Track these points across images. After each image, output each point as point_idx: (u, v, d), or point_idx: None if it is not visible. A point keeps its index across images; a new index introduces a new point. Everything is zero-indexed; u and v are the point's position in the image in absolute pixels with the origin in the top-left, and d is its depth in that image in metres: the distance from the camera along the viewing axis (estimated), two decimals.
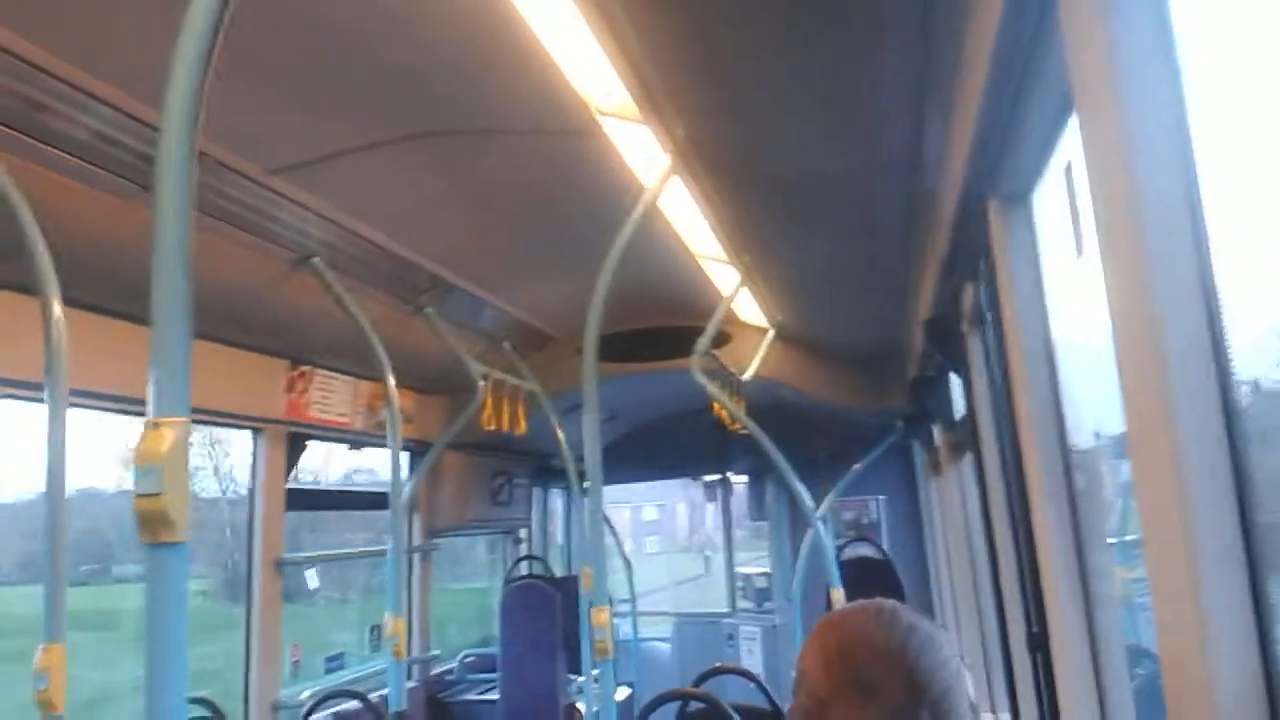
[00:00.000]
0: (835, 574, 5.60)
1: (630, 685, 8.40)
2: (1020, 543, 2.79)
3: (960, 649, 6.16)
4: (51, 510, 2.94)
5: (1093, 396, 2.33)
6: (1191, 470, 1.23)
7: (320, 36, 2.71)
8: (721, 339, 6.07)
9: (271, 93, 3.01)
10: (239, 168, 3.41)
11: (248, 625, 5.00)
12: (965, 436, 4.19)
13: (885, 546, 8.16)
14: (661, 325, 6.35)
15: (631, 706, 7.78)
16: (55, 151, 2.94)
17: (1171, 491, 1.25)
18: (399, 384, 4.84)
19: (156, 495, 1.50)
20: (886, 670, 1.31)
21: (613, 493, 6.22)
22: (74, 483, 3.05)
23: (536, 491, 9.04)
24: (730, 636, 9.67)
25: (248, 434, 5.13)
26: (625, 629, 9.48)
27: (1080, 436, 2.48)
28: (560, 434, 6.44)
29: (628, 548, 10.28)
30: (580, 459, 4.88)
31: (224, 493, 6.44)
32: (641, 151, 3.41)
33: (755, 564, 11.15)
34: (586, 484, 3.98)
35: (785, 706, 4.54)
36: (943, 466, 6.22)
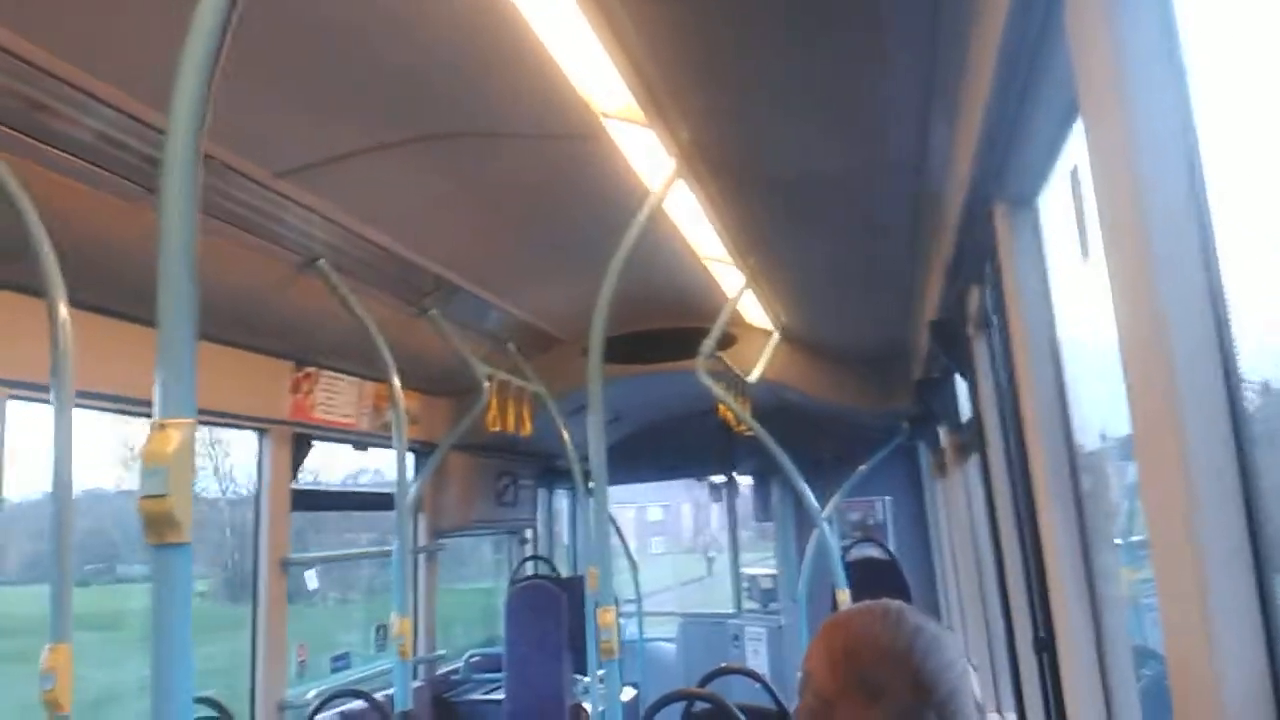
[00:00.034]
0: (841, 575, 5.60)
1: (635, 685, 8.40)
2: (1026, 544, 2.78)
3: (966, 650, 6.15)
4: (57, 510, 2.95)
5: (1098, 398, 2.32)
6: (1197, 471, 1.22)
7: (325, 39, 2.72)
8: (727, 341, 6.07)
9: (277, 95, 3.02)
10: (244, 170, 3.42)
11: (254, 625, 5.02)
12: (971, 438, 4.19)
13: (891, 547, 8.15)
14: (666, 327, 6.35)
15: (637, 707, 7.78)
16: (60, 153, 2.95)
17: (1177, 492, 1.25)
18: (404, 385, 4.85)
19: (162, 496, 1.50)
20: (892, 671, 1.31)
21: (617, 493, 6.21)
22: (77, 483, 3.05)
23: (542, 492, 9.04)
24: (735, 637, 9.67)
25: (248, 434, 5.14)
26: (631, 629, 9.48)
27: (1086, 438, 2.47)
28: (565, 435, 6.44)
29: (632, 548, 10.27)
30: (585, 460, 4.88)
31: (224, 493, 6.45)
32: (646, 154, 3.41)
33: (760, 565, 11.15)
34: (591, 485, 3.99)
35: (791, 707, 4.54)
36: (948, 468, 6.21)
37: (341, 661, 6.16)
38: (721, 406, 5.74)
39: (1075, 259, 1.96)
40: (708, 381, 4.97)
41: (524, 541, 8.82)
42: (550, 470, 8.77)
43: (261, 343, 4.78)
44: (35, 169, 2.92)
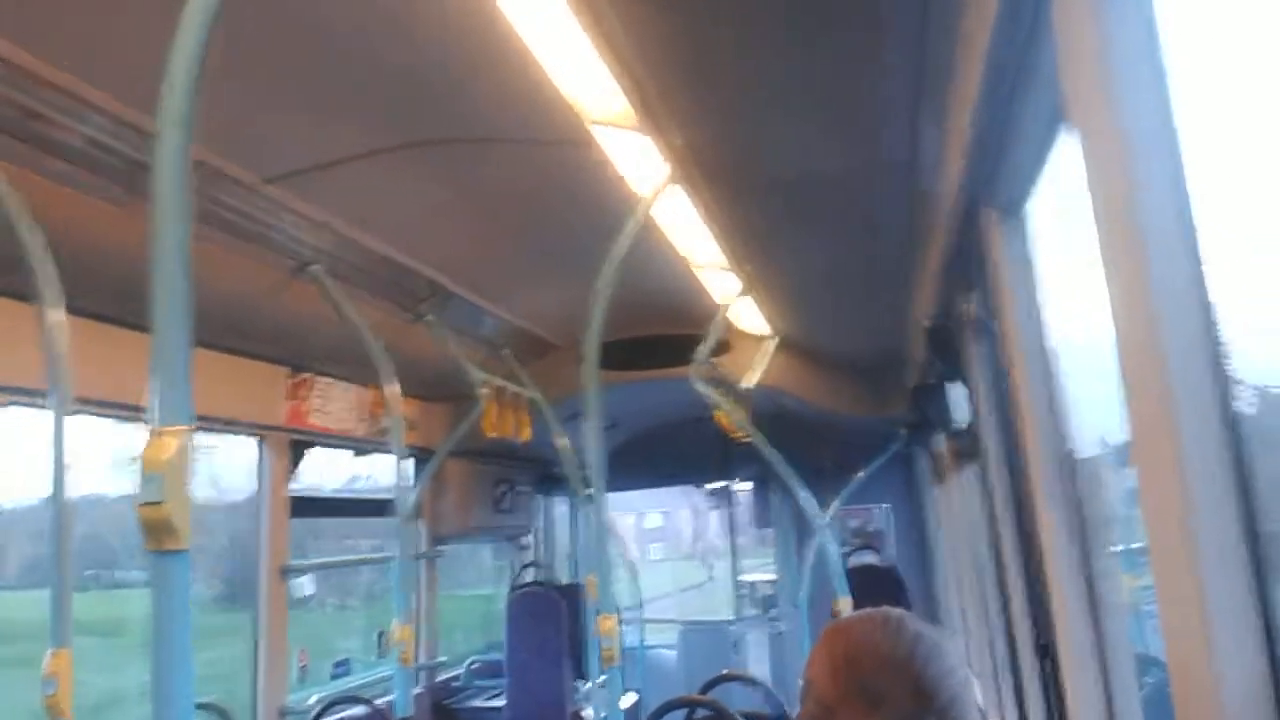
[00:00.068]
0: (842, 582, 5.60)
1: (636, 692, 8.39)
2: (1025, 550, 2.78)
3: (968, 657, 6.15)
4: (56, 516, 2.95)
5: (1095, 402, 2.32)
6: (1195, 475, 1.23)
7: (315, 45, 2.72)
8: (723, 347, 6.07)
9: (268, 101, 3.02)
10: (237, 176, 3.41)
11: (255, 631, 5.01)
12: (968, 444, 4.18)
13: (890, 554, 8.15)
14: (662, 333, 6.35)
15: (638, 713, 7.78)
16: (53, 159, 2.95)
17: (1174, 496, 1.25)
18: (401, 391, 4.84)
19: (159, 503, 1.50)
20: (893, 678, 1.31)
21: (616, 501, 6.19)
22: (73, 489, 3.06)
23: (540, 499, 9.04)
24: (736, 644, 9.67)
25: (238, 439, 5.12)
26: (631, 636, 9.48)
27: (1085, 444, 2.47)
28: (562, 441, 6.44)
29: (632, 555, 10.27)
30: (583, 466, 4.88)
31: (215, 497, 6.43)
32: (640, 160, 3.41)
33: (759, 571, 11.14)
34: (590, 491, 3.98)
35: (792, 714, 4.53)
36: (946, 474, 6.22)
37: (342, 668, 6.15)
38: (718, 413, 5.74)
39: (1066, 263, 1.96)
40: (703, 388, 4.97)
41: (523, 548, 8.81)
42: (548, 477, 8.76)
43: (256, 349, 4.78)
44: (28, 175, 2.92)
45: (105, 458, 5.27)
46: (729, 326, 5.45)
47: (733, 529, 10.86)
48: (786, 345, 6.42)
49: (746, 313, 5.72)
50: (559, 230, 4.49)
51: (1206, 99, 1.37)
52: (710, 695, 4.62)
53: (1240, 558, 1.21)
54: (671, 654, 10.14)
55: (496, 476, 7.78)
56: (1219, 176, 1.36)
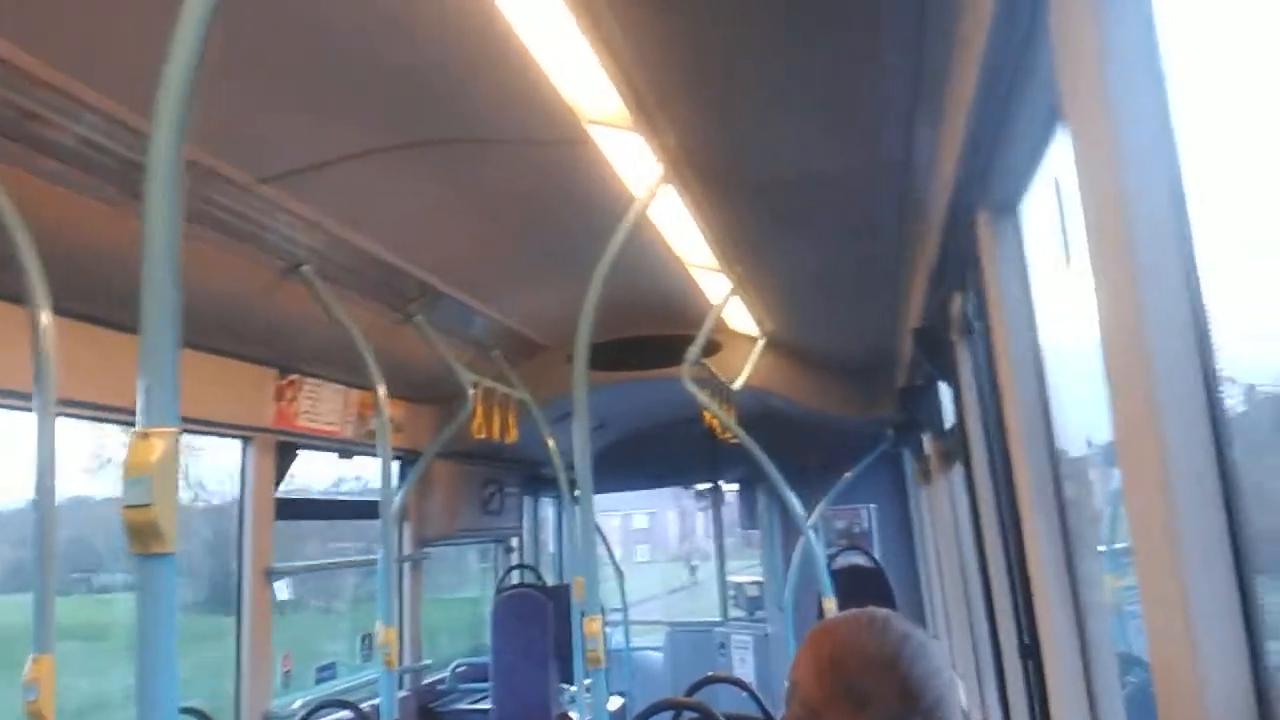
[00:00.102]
0: (827, 583, 5.61)
1: (623, 694, 8.39)
2: (1010, 551, 2.79)
3: (952, 657, 6.17)
4: (40, 520, 2.93)
5: (1081, 403, 2.33)
6: (1179, 477, 1.23)
7: (310, 46, 2.71)
8: (712, 348, 6.08)
9: (261, 102, 3.01)
10: (229, 176, 3.40)
11: (238, 635, 4.98)
12: (955, 445, 4.20)
13: (876, 555, 8.17)
14: (652, 334, 6.36)
15: (624, 716, 7.77)
16: (44, 159, 2.93)
17: (1160, 498, 1.25)
18: (389, 393, 4.83)
19: (146, 506, 1.49)
20: (879, 679, 1.31)
21: (602, 501, 6.19)
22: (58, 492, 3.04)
23: (527, 500, 9.02)
24: (722, 645, 9.67)
25: (221, 441, 5.10)
26: (617, 638, 9.47)
27: (1070, 445, 2.49)
28: (550, 442, 6.44)
29: (617, 556, 10.27)
30: (571, 467, 4.88)
31: (194, 499, 6.39)
32: (633, 160, 3.41)
33: (746, 572, 11.15)
34: (577, 493, 3.98)
35: (778, 715, 4.53)
36: (933, 475, 6.23)
37: (327, 672, 6.12)
38: (707, 414, 5.75)
39: (1058, 265, 1.97)
40: (693, 389, 4.97)
41: (510, 550, 8.79)
42: (536, 478, 8.75)
43: (245, 350, 4.76)
44: (18, 175, 2.90)
45: (88, 459, 5.24)
46: (719, 327, 5.46)
47: (719, 530, 10.86)
48: (775, 346, 6.43)
49: (736, 313, 5.73)
50: (550, 231, 4.49)
51: (1203, 102, 1.38)
52: (696, 697, 4.62)
53: (1224, 559, 1.22)
54: (658, 656, 10.14)
55: (484, 478, 7.77)
56: (1215, 180, 1.37)
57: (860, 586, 6.54)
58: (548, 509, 9.82)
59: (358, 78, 2.93)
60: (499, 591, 7.76)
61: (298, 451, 5.40)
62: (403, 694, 6.47)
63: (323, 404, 5.45)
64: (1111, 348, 1.41)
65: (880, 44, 2.68)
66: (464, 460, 7.23)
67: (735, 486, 10.30)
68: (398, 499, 5.55)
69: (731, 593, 10.41)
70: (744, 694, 4.99)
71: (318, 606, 7.99)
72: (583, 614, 4.10)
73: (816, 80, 2.94)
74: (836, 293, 5.52)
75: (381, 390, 4.74)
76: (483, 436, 5.81)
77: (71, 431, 4.16)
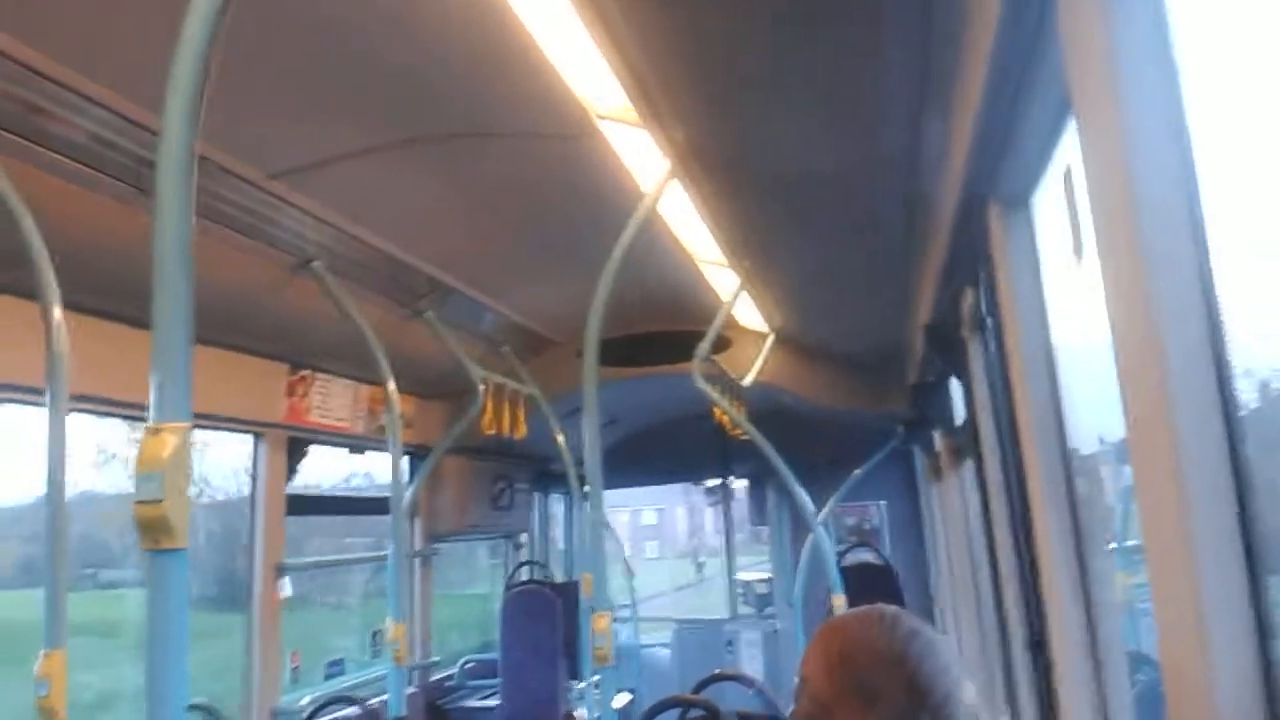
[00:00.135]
0: (836, 580, 5.60)
1: (631, 691, 8.39)
2: (1021, 548, 2.78)
3: (961, 654, 6.15)
4: (52, 515, 2.94)
5: (1093, 400, 2.32)
6: (1192, 474, 1.23)
7: (319, 41, 2.72)
8: (722, 344, 6.07)
9: (271, 97, 3.02)
10: (239, 172, 3.41)
11: (248, 631, 4.99)
12: (966, 442, 4.19)
13: (886, 552, 8.16)
14: (661, 330, 6.35)
15: (632, 713, 7.77)
16: (55, 155, 2.95)
17: (1172, 495, 1.25)
18: (399, 388, 4.84)
19: (157, 501, 1.50)
20: (888, 676, 1.31)
21: (611, 497, 6.18)
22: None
23: (537, 496, 9.03)
24: (731, 642, 9.66)
25: (229, 436, 5.11)
26: (626, 635, 9.47)
27: (1082, 441, 2.48)
28: (560, 438, 6.44)
29: (626, 552, 10.27)
30: (580, 463, 4.88)
31: (198, 495, 6.42)
32: (641, 155, 3.41)
33: (754, 569, 11.14)
34: (587, 489, 3.98)
35: (786, 712, 4.53)
36: (943, 472, 6.22)
37: (336, 667, 6.14)
38: (717, 410, 5.74)
39: (1069, 259, 1.96)
40: (703, 385, 4.97)
41: (519, 546, 8.80)
42: (545, 474, 8.76)
43: (256, 345, 4.77)
44: (30, 172, 2.91)
45: (92, 454, 5.27)
46: (728, 323, 5.46)
47: (729, 526, 10.85)
48: (785, 342, 6.42)
49: (745, 309, 5.72)
50: (559, 226, 4.49)
51: (1215, 93, 1.37)
52: (704, 694, 4.61)
53: (1236, 556, 1.21)
54: (666, 653, 10.14)
55: (493, 473, 7.78)
56: (1227, 172, 1.36)
57: (870, 584, 6.52)
58: (557, 505, 9.83)
59: (367, 73, 2.93)
60: (508, 588, 7.78)
61: (308, 447, 5.41)
62: (411, 690, 6.48)
63: (333, 399, 5.47)
64: (1123, 343, 1.41)
65: (886, 39, 2.67)
66: (474, 456, 7.24)
67: (745, 483, 10.28)
68: (408, 494, 5.56)
69: (740, 590, 10.40)
70: (752, 691, 4.98)
71: (328, 602, 8.02)
72: (591, 611, 4.10)
73: (823, 76, 2.93)
74: (845, 288, 5.51)
75: (392, 386, 4.75)
76: (492, 432, 5.82)
77: (77, 427, 4.18)
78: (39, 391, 2.97)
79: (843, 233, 4.49)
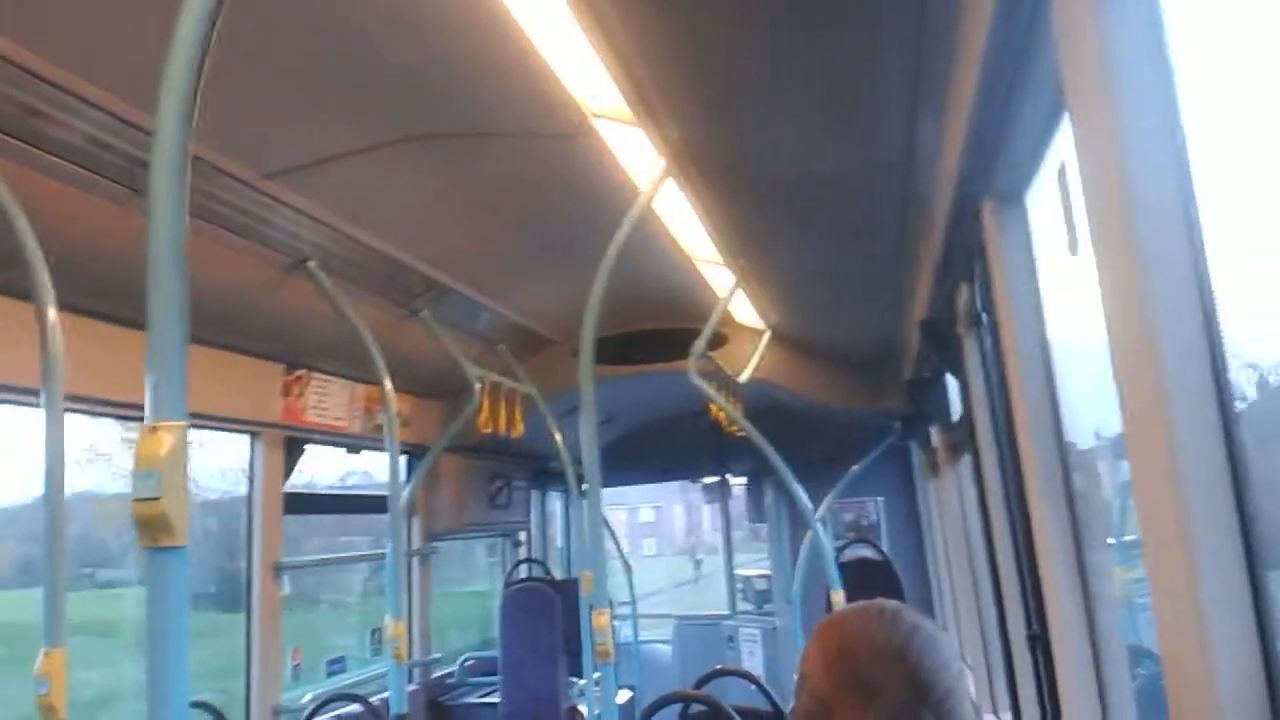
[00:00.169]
0: (835, 575, 5.61)
1: (631, 688, 8.39)
2: (1019, 542, 2.79)
3: (960, 649, 6.16)
4: (50, 515, 2.94)
5: (1089, 395, 2.33)
6: (1189, 467, 1.23)
7: (313, 41, 2.71)
8: (718, 341, 6.08)
9: (266, 97, 3.01)
10: (234, 172, 3.41)
11: (248, 629, 5.00)
12: (963, 437, 4.19)
13: (884, 547, 8.17)
14: (657, 327, 6.36)
15: (632, 709, 7.77)
16: (50, 157, 2.94)
17: (1169, 489, 1.25)
18: (395, 387, 4.84)
19: (155, 499, 1.50)
20: (888, 671, 1.31)
21: (609, 495, 6.18)
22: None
23: (535, 494, 9.03)
24: (730, 639, 9.67)
25: (222, 435, 5.11)
26: (626, 631, 9.48)
27: (1078, 436, 2.48)
28: (558, 436, 6.44)
29: (625, 550, 10.27)
30: (578, 461, 4.88)
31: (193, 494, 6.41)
32: (636, 154, 3.41)
33: (753, 566, 11.15)
34: (585, 487, 3.99)
35: (786, 708, 4.53)
36: (941, 467, 6.22)
37: (337, 665, 6.15)
38: (713, 407, 5.74)
39: (1064, 255, 1.96)
40: (699, 382, 4.97)
41: (518, 544, 8.81)
42: (543, 472, 8.76)
43: (252, 345, 4.77)
44: (25, 173, 2.91)
45: (80, 453, 5.25)
46: (725, 320, 5.46)
47: (727, 524, 10.86)
48: (781, 339, 6.42)
49: (741, 307, 5.72)
50: (555, 225, 4.49)
51: (1208, 89, 1.37)
52: (705, 690, 4.62)
53: (1234, 550, 1.21)
54: (666, 649, 10.15)
55: (491, 472, 7.78)
56: (1220, 168, 1.36)
57: (868, 579, 6.53)
58: (555, 503, 9.83)
59: (362, 73, 2.93)
60: (507, 585, 7.77)
61: (305, 446, 5.41)
62: (412, 688, 6.49)
63: (330, 399, 5.46)
64: (1119, 339, 1.41)
65: (882, 37, 2.67)
66: (471, 454, 7.25)
67: (743, 480, 10.29)
68: (406, 493, 5.56)
69: (739, 586, 10.41)
70: (752, 687, 4.98)
71: (328, 601, 8.01)
72: (591, 607, 4.10)
73: (818, 80, 2.93)
74: (841, 285, 5.51)
75: (388, 385, 4.75)
76: (489, 431, 5.82)
77: (71, 427, 4.17)
78: (34, 392, 2.96)
79: (839, 231, 4.50)
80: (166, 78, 1.57)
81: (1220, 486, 1.22)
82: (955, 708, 1.30)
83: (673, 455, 9.49)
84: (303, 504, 5.61)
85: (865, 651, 1.33)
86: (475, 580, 9.62)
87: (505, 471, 7.98)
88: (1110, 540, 2.61)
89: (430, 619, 7.01)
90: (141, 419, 1.55)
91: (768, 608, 9.90)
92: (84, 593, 6.43)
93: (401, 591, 4.97)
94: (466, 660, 7.51)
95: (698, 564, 30.50)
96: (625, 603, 9.44)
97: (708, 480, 10.69)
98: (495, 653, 7.16)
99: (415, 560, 6.83)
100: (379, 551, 5.63)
